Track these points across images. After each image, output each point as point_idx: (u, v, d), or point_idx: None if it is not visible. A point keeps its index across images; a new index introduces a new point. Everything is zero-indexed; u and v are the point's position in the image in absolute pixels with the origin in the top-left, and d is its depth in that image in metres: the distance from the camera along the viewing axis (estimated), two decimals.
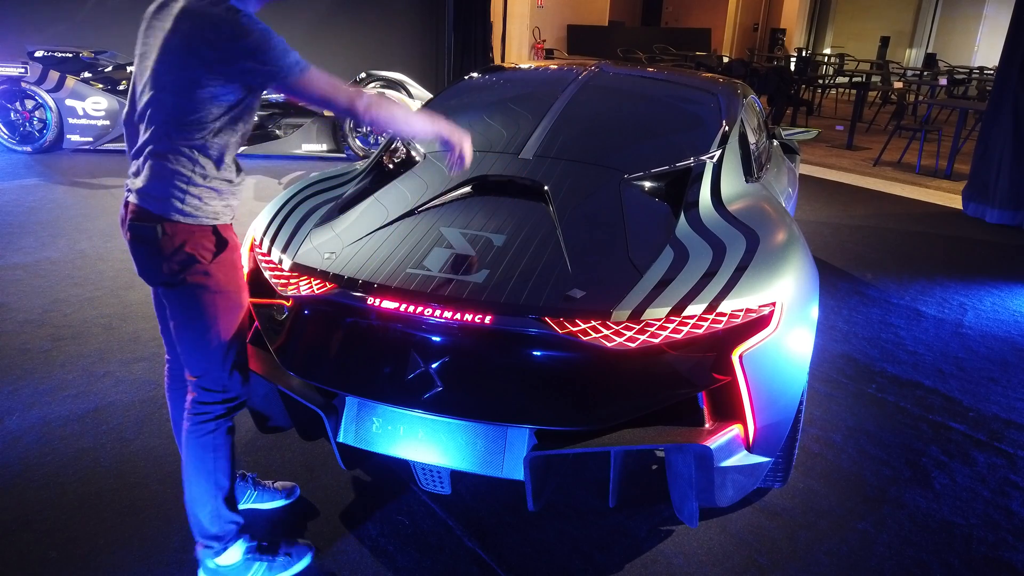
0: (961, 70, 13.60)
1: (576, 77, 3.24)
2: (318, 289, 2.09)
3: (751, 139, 3.13)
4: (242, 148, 8.15)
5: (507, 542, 2.31)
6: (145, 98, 1.77)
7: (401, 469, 2.60)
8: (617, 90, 3.28)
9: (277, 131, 7.56)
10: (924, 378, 3.46)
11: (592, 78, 3.25)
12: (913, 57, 18.18)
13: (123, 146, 8.26)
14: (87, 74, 7.32)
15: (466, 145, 2.07)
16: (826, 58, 16.55)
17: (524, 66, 3.85)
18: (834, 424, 3.02)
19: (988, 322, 4.16)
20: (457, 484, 2.52)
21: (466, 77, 3.63)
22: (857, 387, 3.34)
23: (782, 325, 2.01)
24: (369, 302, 1.98)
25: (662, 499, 2.49)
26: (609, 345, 1.89)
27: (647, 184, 2.55)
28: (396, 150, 2.93)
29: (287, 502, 2.43)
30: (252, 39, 1.66)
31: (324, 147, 7.62)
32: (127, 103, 1.88)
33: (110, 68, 7.54)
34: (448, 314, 1.91)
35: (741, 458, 2.01)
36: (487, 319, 1.90)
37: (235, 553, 2.04)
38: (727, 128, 2.86)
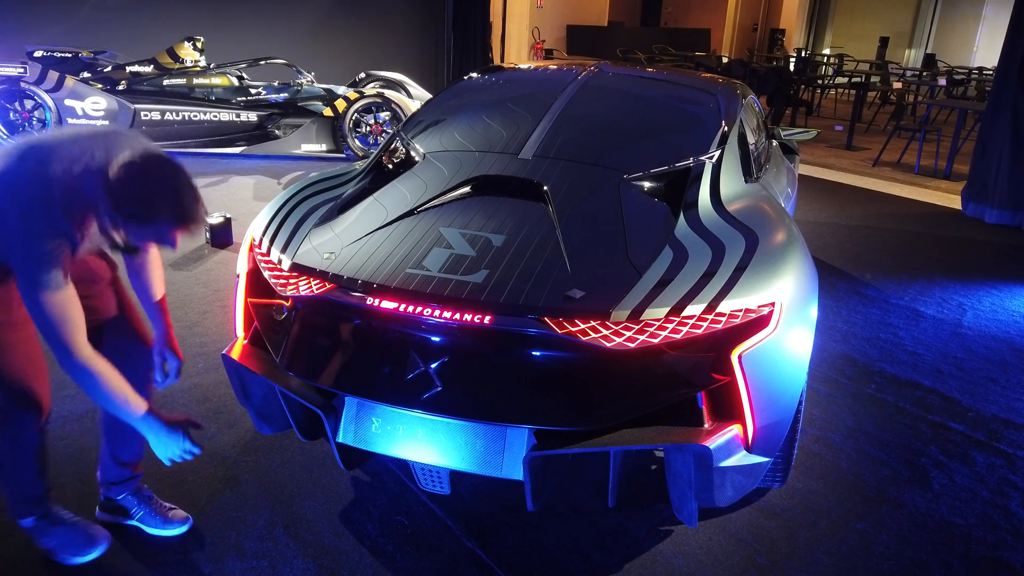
0: (960, 70, 13.60)
1: (575, 77, 3.24)
2: (317, 289, 2.09)
3: (750, 139, 3.13)
4: (242, 148, 8.11)
5: (506, 542, 2.31)
6: None
7: (400, 469, 2.60)
8: (616, 90, 3.28)
9: (276, 131, 7.56)
10: (923, 378, 3.46)
11: (591, 78, 3.25)
12: (912, 57, 18.17)
13: None
14: (86, 74, 7.31)
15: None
16: (825, 58, 16.55)
17: (523, 66, 3.85)
18: (833, 424, 3.02)
19: (987, 322, 4.16)
20: (456, 484, 2.52)
21: (465, 77, 3.63)
22: (856, 387, 3.34)
23: (781, 325, 2.01)
24: (368, 302, 1.98)
25: (661, 499, 2.49)
26: (608, 345, 1.89)
27: (646, 184, 2.55)
28: (396, 150, 2.93)
29: (175, 533, 2.28)
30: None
31: (323, 147, 7.62)
32: None
33: (109, 68, 7.53)
34: (447, 314, 1.91)
35: (740, 458, 2.01)
36: (486, 319, 1.90)
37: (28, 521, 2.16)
38: (726, 128, 2.86)
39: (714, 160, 2.68)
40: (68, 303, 1.77)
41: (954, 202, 6.94)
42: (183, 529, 2.29)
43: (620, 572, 2.21)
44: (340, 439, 2.10)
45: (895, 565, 2.28)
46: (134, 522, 2.29)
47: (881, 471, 2.73)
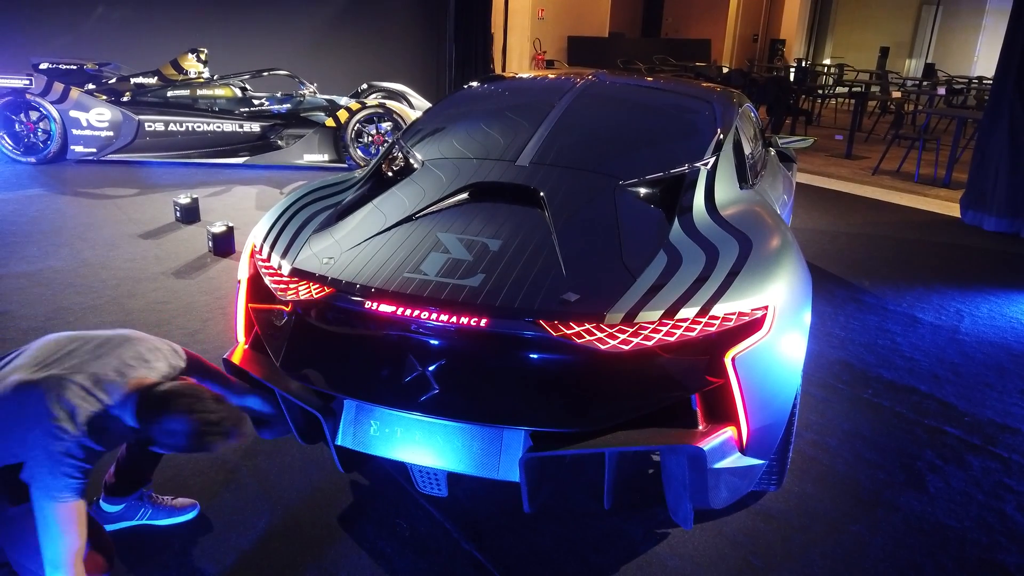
0: (960, 80, 13.64)
1: (573, 86, 3.28)
2: (317, 294, 2.12)
3: (746, 147, 3.16)
4: (245, 159, 8.15)
5: (503, 544, 2.33)
6: None
7: (399, 472, 2.62)
8: (613, 98, 3.32)
9: (279, 141, 7.62)
10: (920, 383, 3.48)
11: (588, 87, 3.29)
12: (913, 67, 18.23)
13: (126, 156, 8.26)
14: (91, 85, 7.39)
15: None
16: (825, 68, 16.61)
17: (522, 75, 3.90)
18: (830, 429, 3.04)
19: (985, 328, 4.17)
20: (454, 486, 2.54)
21: (465, 86, 3.67)
22: (853, 392, 3.36)
23: (774, 329, 2.04)
24: (367, 306, 2.01)
25: (658, 502, 2.51)
26: (603, 348, 1.92)
27: (641, 190, 2.58)
28: (395, 158, 2.96)
29: (185, 519, 2.37)
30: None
31: (326, 157, 7.67)
32: None
33: (114, 80, 7.61)
34: (444, 317, 1.94)
35: (735, 460, 2.03)
36: (483, 322, 1.92)
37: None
38: (721, 136, 2.90)
39: (709, 166, 2.71)
40: (78, 518, 1.76)
41: (953, 210, 6.96)
42: (194, 514, 2.37)
43: (616, 574, 2.23)
44: (339, 442, 2.12)
45: (890, 567, 2.29)
46: (144, 522, 2.32)
47: (877, 475, 2.75)
